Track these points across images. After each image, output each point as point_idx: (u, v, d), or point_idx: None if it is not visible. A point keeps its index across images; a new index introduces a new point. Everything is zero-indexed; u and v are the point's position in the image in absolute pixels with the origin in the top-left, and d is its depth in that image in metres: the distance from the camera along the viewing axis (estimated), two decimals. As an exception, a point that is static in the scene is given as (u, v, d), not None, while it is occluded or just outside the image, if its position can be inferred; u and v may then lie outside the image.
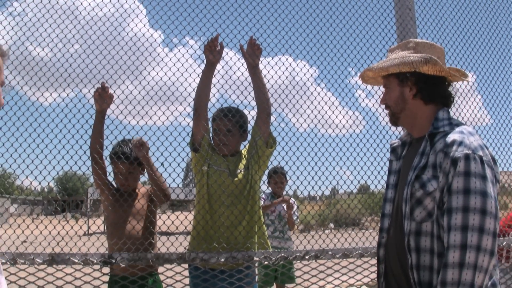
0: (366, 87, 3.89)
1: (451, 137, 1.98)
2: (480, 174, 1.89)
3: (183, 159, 3.33)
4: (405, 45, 2.28)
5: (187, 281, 3.28)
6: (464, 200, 1.87)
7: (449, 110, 2.21)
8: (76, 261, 2.95)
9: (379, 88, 3.72)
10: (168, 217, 3.44)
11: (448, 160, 1.92)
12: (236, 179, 3.23)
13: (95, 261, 2.97)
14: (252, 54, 3.26)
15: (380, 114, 3.79)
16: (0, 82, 1.51)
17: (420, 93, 2.16)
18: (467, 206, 1.86)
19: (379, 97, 3.68)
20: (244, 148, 3.43)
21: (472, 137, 1.98)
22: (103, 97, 3.17)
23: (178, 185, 3.51)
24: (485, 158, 1.93)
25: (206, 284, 3.16)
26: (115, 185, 3.38)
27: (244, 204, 3.22)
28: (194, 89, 3.27)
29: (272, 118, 3.36)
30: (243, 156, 3.36)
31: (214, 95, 3.56)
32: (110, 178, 3.38)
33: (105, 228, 3.34)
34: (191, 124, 3.33)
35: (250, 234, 3.22)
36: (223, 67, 3.44)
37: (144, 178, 3.45)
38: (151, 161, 3.20)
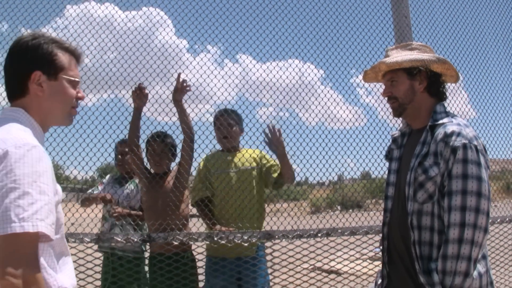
0: (368, 86, 3.89)
1: (450, 128, 1.97)
2: (476, 161, 1.90)
3: (203, 150, 3.39)
4: (405, 46, 2.27)
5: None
6: (462, 184, 1.88)
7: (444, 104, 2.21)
8: (119, 240, 2.98)
9: (378, 88, 3.74)
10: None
11: (448, 148, 1.92)
12: (240, 170, 3.27)
13: (135, 239, 3.00)
14: (276, 141, 3.16)
15: (381, 110, 3.78)
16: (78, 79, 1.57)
17: (428, 87, 2.15)
18: (465, 189, 1.87)
19: (379, 96, 3.73)
20: (249, 150, 3.42)
21: (467, 129, 1.98)
22: (140, 96, 3.20)
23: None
24: (479, 147, 1.94)
25: (217, 273, 3.18)
26: (151, 172, 3.38)
27: (257, 189, 3.27)
28: (219, 89, 3.30)
29: (283, 114, 3.40)
30: (249, 155, 3.37)
31: (233, 98, 3.57)
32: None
33: (144, 210, 3.36)
34: (210, 119, 3.41)
35: (260, 211, 3.28)
36: (242, 70, 3.47)
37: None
38: (183, 105, 3.23)
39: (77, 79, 1.59)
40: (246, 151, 3.39)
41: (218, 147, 3.39)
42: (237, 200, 3.19)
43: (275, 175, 3.27)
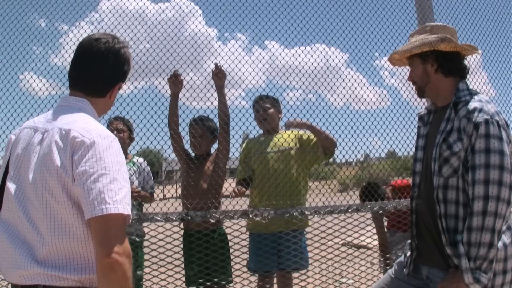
0: (391, 68, 3.87)
1: (472, 105, 1.98)
2: (498, 136, 1.90)
3: (236, 132, 3.46)
4: (422, 29, 2.27)
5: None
6: (485, 158, 1.89)
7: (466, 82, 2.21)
8: (159, 219, 3.06)
9: (402, 69, 3.72)
10: (230, 184, 3.57)
11: (471, 124, 1.93)
12: (279, 150, 3.36)
13: (174, 218, 3.08)
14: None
15: (405, 90, 3.77)
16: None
17: (441, 68, 2.16)
18: (488, 163, 1.88)
19: (403, 77, 3.73)
20: (288, 132, 3.50)
21: (489, 105, 1.98)
22: (175, 82, 3.29)
23: (233, 154, 3.55)
24: (501, 122, 1.95)
25: (259, 246, 3.31)
26: (190, 154, 3.45)
27: (296, 168, 3.34)
28: (249, 74, 3.37)
29: (311, 97, 3.50)
30: (288, 136, 3.45)
31: (263, 81, 3.64)
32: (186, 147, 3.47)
33: (182, 190, 3.40)
34: (242, 103, 3.49)
35: (305, 187, 3.38)
36: (270, 57, 3.53)
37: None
38: (224, 91, 3.32)
39: None
40: (285, 132, 3.48)
41: (251, 130, 3.51)
42: (272, 179, 3.30)
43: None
